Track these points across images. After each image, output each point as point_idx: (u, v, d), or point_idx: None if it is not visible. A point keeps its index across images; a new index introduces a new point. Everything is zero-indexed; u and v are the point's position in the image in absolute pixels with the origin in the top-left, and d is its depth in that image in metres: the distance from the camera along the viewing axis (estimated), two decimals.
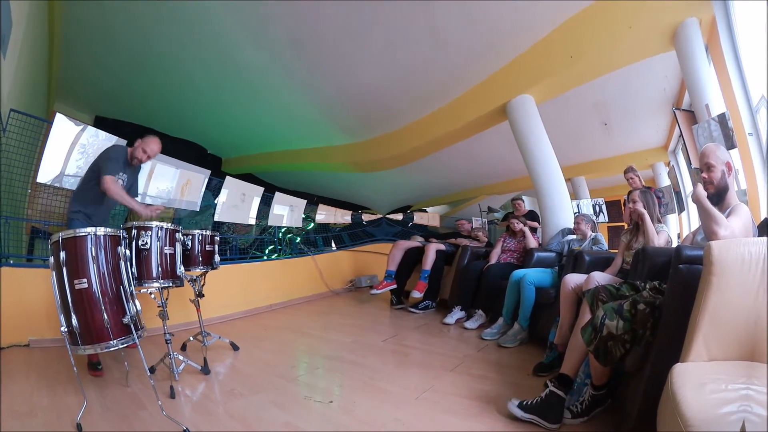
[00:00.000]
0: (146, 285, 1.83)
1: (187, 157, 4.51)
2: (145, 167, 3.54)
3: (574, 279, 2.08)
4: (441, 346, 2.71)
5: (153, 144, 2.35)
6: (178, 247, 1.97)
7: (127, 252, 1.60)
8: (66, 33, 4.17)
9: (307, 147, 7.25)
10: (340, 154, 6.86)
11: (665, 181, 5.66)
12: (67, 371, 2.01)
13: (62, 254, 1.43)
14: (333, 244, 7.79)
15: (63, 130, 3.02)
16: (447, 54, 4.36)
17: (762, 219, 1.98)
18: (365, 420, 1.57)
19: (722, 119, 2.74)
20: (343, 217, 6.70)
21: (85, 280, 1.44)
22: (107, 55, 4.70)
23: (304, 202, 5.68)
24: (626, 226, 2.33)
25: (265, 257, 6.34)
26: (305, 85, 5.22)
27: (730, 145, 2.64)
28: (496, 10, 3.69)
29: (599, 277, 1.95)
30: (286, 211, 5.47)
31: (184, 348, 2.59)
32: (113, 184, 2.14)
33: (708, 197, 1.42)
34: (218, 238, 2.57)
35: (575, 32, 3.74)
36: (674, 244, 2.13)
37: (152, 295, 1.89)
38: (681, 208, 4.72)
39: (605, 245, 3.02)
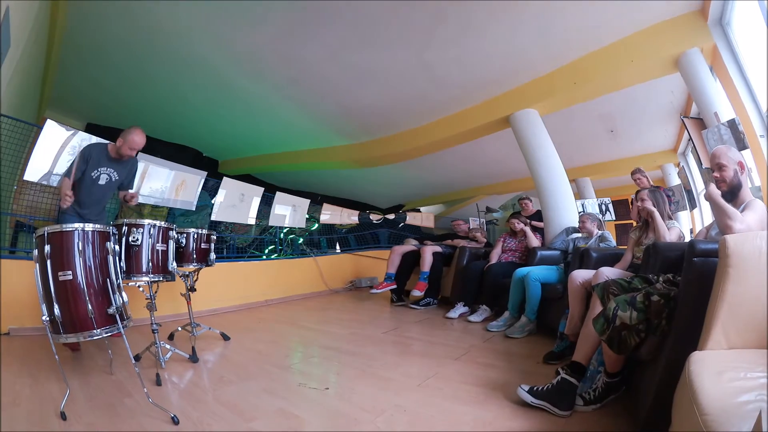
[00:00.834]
0: (135, 278, 1.83)
1: (182, 159, 4.45)
2: (140, 168, 3.51)
3: (581, 274, 2.01)
4: (444, 337, 2.61)
5: (134, 135, 2.30)
6: (171, 244, 1.98)
7: (116, 247, 1.60)
8: (63, 57, 4.20)
9: (306, 149, 7.16)
10: (341, 153, 6.78)
11: (675, 182, 5.60)
12: (49, 359, 1.93)
13: (47, 247, 1.43)
14: (337, 247, 7.49)
15: (53, 133, 3.05)
16: (445, 87, 4.57)
17: None
18: (364, 406, 1.47)
19: (732, 124, 2.76)
20: (350, 217, 6.48)
21: (69, 272, 1.44)
22: (103, 76, 4.69)
23: (308, 201, 5.48)
24: (635, 224, 2.31)
25: (264, 257, 6.14)
26: (303, 103, 5.24)
27: (741, 146, 2.65)
28: (491, 58, 3.93)
29: (608, 272, 1.87)
30: (289, 212, 5.28)
31: (171, 338, 2.50)
32: (62, 183, 2.25)
33: (722, 196, 1.42)
34: (215, 237, 2.59)
35: (578, 67, 3.89)
36: (686, 240, 2.08)
37: (141, 288, 1.88)
38: (693, 205, 4.64)
39: (613, 242, 2.94)
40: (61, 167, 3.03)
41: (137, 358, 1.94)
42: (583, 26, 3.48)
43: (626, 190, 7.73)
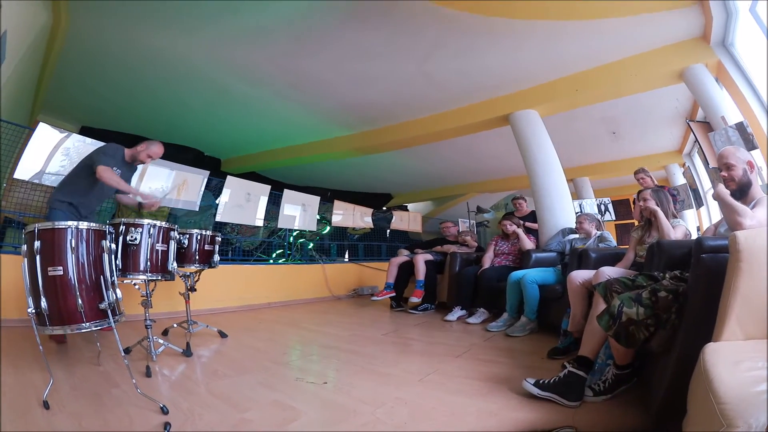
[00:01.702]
0: (131, 276, 1.81)
1: (183, 159, 4.33)
2: (139, 167, 3.52)
3: (581, 275, 1.96)
4: (444, 337, 2.54)
5: (156, 147, 2.45)
6: (172, 245, 1.97)
7: (112, 246, 1.58)
8: (60, 69, 4.23)
9: (308, 142, 7.04)
10: (343, 143, 6.62)
11: (679, 181, 5.53)
12: (33, 350, 1.86)
13: (37, 243, 1.41)
14: (346, 256, 7.15)
15: (45, 135, 3.09)
16: (447, 90, 4.61)
17: None
18: (364, 400, 1.41)
19: (740, 126, 2.77)
20: (363, 218, 6.15)
21: (60, 267, 1.42)
22: (99, 85, 4.71)
23: (318, 199, 5.09)
24: (636, 223, 2.27)
25: (271, 261, 5.75)
26: (303, 103, 5.22)
27: (750, 147, 2.64)
28: (492, 69, 3.96)
29: (609, 271, 1.83)
30: (299, 212, 4.91)
31: (165, 333, 2.43)
32: (106, 172, 2.18)
33: (731, 194, 1.43)
34: (219, 239, 2.58)
35: (580, 78, 3.92)
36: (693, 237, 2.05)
37: (137, 286, 1.86)
38: (699, 204, 4.56)
39: (613, 242, 2.88)
40: (54, 167, 3.08)
41: (127, 350, 1.87)
42: (583, 52, 3.52)
43: (627, 189, 7.61)
